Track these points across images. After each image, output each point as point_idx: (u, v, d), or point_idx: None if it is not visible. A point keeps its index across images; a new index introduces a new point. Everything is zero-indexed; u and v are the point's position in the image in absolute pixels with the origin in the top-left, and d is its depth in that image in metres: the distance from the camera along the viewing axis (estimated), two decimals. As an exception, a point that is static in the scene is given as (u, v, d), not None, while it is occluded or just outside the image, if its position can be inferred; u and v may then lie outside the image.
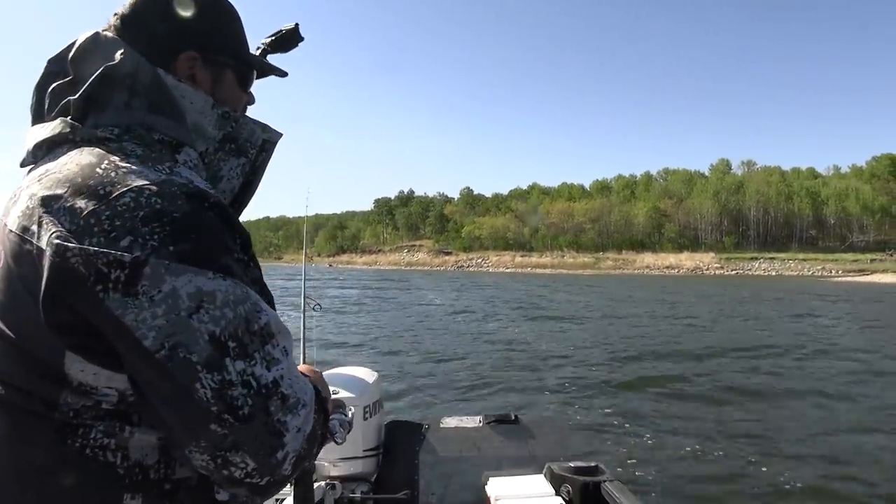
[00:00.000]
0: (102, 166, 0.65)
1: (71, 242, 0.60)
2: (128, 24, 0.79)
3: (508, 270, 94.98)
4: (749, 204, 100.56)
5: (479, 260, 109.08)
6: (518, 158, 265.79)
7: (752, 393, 8.70)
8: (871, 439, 6.44)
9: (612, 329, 16.65)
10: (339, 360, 10.43)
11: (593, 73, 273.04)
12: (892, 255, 79.58)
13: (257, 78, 0.93)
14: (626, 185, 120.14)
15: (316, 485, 2.46)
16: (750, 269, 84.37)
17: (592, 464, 2.60)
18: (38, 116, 0.78)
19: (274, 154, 0.88)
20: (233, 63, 0.86)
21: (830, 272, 75.36)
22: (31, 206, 0.64)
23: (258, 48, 0.96)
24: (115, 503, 0.65)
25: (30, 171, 0.74)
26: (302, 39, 0.98)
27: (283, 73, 0.96)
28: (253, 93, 0.92)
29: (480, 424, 3.13)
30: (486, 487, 2.43)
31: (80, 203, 0.62)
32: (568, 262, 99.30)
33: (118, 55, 0.73)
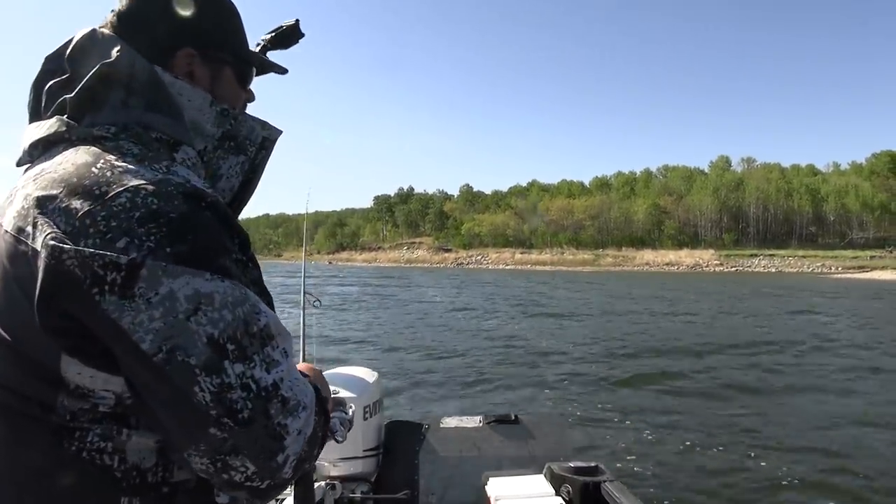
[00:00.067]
0: (98, 166, 0.64)
1: (66, 244, 0.59)
2: (125, 21, 0.77)
3: (508, 267, 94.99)
4: (749, 201, 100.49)
5: (479, 257, 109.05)
6: (518, 155, 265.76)
7: (751, 389, 8.72)
8: (869, 434, 6.48)
9: (611, 326, 16.67)
10: (340, 357, 10.45)
11: (593, 69, 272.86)
12: (891, 252, 79.55)
13: (257, 75, 0.92)
14: (626, 181, 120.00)
15: (316, 485, 2.46)
16: (749, 266, 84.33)
17: (592, 464, 2.59)
18: (36, 115, 0.77)
19: (273, 151, 0.87)
20: (231, 60, 0.85)
21: (830, 269, 75.34)
22: (26, 206, 0.64)
23: (258, 45, 0.95)
24: None
25: (26, 170, 0.73)
26: (303, 36, 0.97)
27: (283, 71, 0.95)
28: (252, 90, 0.91)
29: (480, 424, 3.13)
30: (486, 487, 2.43)
31: (76, 203, 0.61)
32: (567, 259, 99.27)
33: (115, 52, 0.72)
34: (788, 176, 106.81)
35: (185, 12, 0.78)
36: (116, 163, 0.64)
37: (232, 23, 0.85)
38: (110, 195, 0.61)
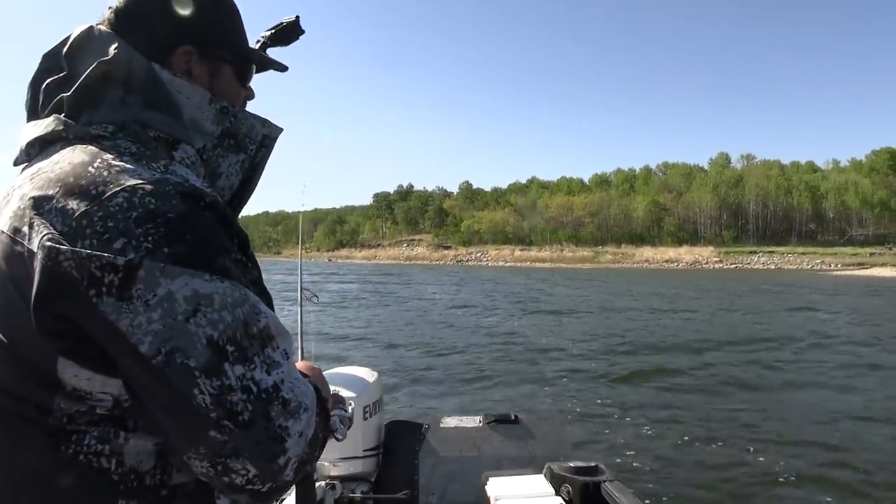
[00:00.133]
0: (95, 165, 0.63)
1: (63, 245, 0.58)
2: (122, 18, 0.76)
3: (507, 264, 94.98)
4: (748, 198, 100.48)
5: (479, 254, 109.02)
6: (517, 152, 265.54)
7: (750, 385, 8.74)
8: (867, 429, 6.52)
9: (611, 322, 16.68)
10: (339, 355, 10.45)
11: (593, 67, 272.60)
12: (891, 249, 79.59)
13: (256, 72, 0.91)
14: (626, 178, 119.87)
15: (316, 485, 2.46)
16: (749, 263, 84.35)
17: (592, 464, 2.59)
18: (33, 113, 0.76)
19: (273, 149, 0.86)
20: (231, 57, 0.84)
21: (829, 266, 75.37)
22: (22, 206, 0.63)
23: (258, 41, 0.94)
24: None
25: (23, 169, 0.72)
26: (303, 32, 0.96)
27: (283, 68, 0.94)
28: (252, 87, 0.90)
29: (480, 424, 3.13)
30: (486, 487, 2.43)
31: (72, 204, 0.60)
32: (567, 256, 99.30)
33: (112, 50, 0.71)
34: (788, 173, 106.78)
35: (184, 9, 0.77)
36: (114, 162, 0.63)
37: (231, 20, 0.84)
38: (107, 195, 0.60)
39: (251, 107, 0.90)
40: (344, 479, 2.66)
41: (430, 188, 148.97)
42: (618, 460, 5.40)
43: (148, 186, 0.61)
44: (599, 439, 6.13)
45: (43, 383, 0.62)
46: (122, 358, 0.59)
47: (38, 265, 0.59)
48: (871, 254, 78.46)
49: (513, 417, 3.18)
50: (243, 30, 0.86)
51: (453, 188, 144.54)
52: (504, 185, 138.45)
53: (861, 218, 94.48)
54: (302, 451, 0.65)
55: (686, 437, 6.20)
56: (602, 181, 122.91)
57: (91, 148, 0.66)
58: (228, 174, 0.80)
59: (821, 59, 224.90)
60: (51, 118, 0.71)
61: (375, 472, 2.85)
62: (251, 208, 0.87)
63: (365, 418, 2.73)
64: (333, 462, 2.64)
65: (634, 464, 5.37)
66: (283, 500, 2.18)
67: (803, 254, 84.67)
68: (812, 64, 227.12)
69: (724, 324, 16.65)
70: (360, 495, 2.63)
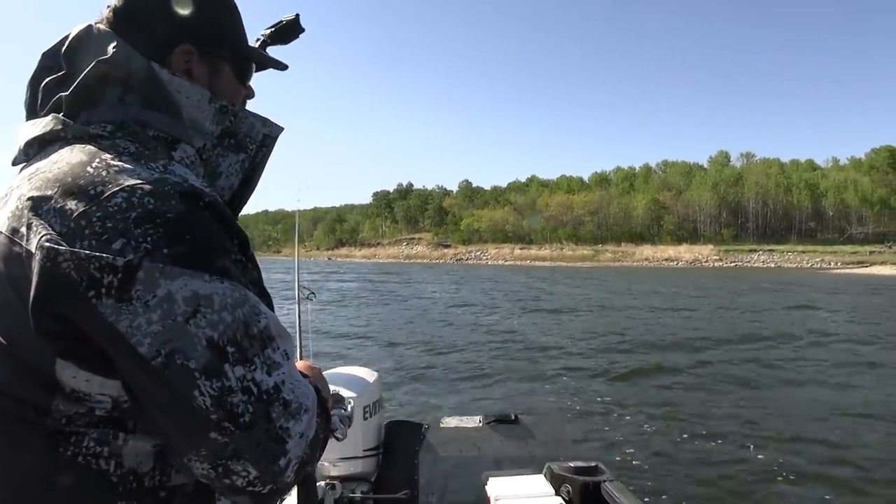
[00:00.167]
0: (93, 165, 0.63)
1: (61, 246, 0.58)
2: (121, 17, 0.76)
3: (507, 263, 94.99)
4: (748, 196, 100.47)
5: (478, 253, 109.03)
6: (517, 151, 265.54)
7: (750, 383, 8.75)
8: (866, 426, 6.55)
9: (611, 321, 16.69)
10: (339, 353, 10.46)
11: (592, 65, 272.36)
12: (890, 247, 79.61)
13: (256, 71, 0.90)
14: (625, 177, 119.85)
15: (316, 484, 2.46)
16: (749, 261, 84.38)
17: (592, 464, 2.59)
18: (32, 112, 0.75)
19: (273, 148, 0.85)
20: (230, 56, 0.83)
21: (829, 264, 75.39)
22: (20, 206, 0.63)
23: (257, 40, 0.93)
24: None
25: (21, 169, 0.72)
26: (303, 31, 0.95)
27: (282, 67, 0.93)
28: (252, 86, 0.89)
29: (480, 424, 3.14)
30: (486, 487, 2.43)
31: (71, 204, 0.60)
32: (567, 254, 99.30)
33: (111, 49, 0.70)
34: (787, 171, 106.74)
35: (184, 8, 0.77)
36: (112, 162, 0.63)
37: (231, 18, 0.84)
38: (106, 195, 0.59)
39: (251, 105, 0.89)
40: (344, 479, 2.65)
41: (429, 187, 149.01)
42: (617, 458, 5.41)
43: (147, 186, 0.60)
44: (599, 437, 6.15)
45: (41, 385, 0.62)
46: (121, 359, 0.59)
47: (36, 266, 0.58)
48: (871, 252, 78.47)
49: (513, 417, 3.18)
50: (243, 28, 0.86)
51: (453, 187, 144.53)
52: (504, 184, 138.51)
53: (861, 216, 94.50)
54: (303, 453, 0.65)
55: (685, 435, 6.21)
56: (602, 179, 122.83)
57: (89, 147, 0.65)
58: (228, 174, 0.80)
59: (820, 58, 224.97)
60: (49, 117, 0.71)
61: (375, 472, 2.85)
62: (250, 207, 0.86)
63: (365, 418, 2.73)
64: (333, 462, 2.64)
65: (634, 462, 5.38)
66: (284, 500, 2.18)
67: (803, 252, 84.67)
68: (811, 62, 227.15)
69: (724, 322, 16.66)
70: (360, 495, 2.63)
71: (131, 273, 0.57)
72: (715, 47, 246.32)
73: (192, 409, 0.58)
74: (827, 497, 4.70)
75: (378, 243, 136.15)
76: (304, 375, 0.72)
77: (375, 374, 3.01)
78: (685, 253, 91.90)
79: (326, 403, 0.77)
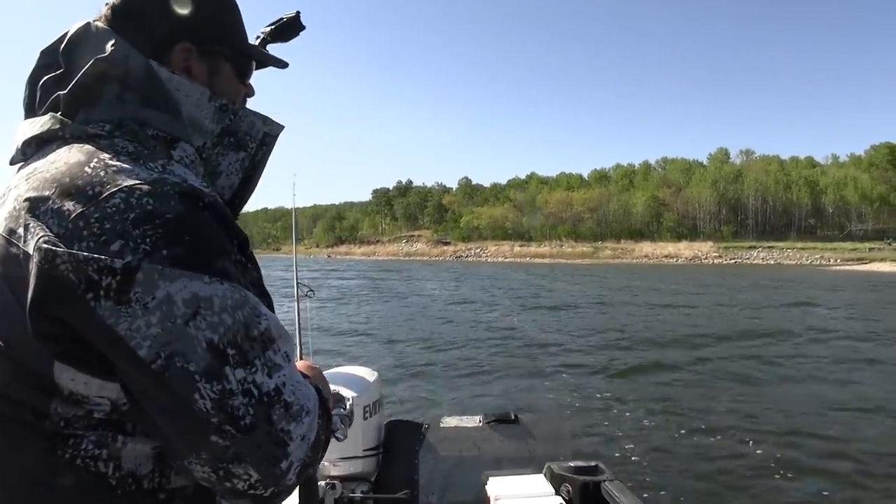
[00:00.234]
0: (91, 165, 0.62)
1: (59, 247, 0.57)
2: (119, 15, 0.75)
3: (507, 260, 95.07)
4: (747, 193, 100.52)
5: (478, 250, 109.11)
6: (516, 148, 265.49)
7: (749, 380, 8.77)
8: (865, 421, 6.59)
9: (610, 318, 16.71)
10: (339, 351, 10.47)
11: (592, 63, 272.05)
12: (889, 244, 79.69)
13: (256, 69, 0.89)
14: (625, 174, 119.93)
15: (317, 484, 2.47)
16: (748, 258, 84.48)
17: (592, 463, 2.59)
18: (31, 111, 0.74)
19: (274, 147, 0.85)
20: (230, 54, 0.82)
21: (829, 261, 75.49)
22: (17, 207, 0.62)
23: (258, 37, 0.93)
24: None
25: (19, 169, 0.71)
26: (303, 28, 0.94)
27: (283, 64, 0.93)
28: (252, 84, 0.88)
29: (480, 424, 3.14)
30: (486, 487, 2.43)
31: (69, 205, 0.59)
32: (566, 251, 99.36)
33: (109, 47, 0.69)
34: (787, 168, 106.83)
35: (183, 7, 0.76)
36: (110, 162, 0.62)
37: (230, 16, 0.83)
38: (104, 196, 0.59)
39: (251, 104, 0.88)
40: (344, 479, 2.65)
41: (429, 184, 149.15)
42: (617, 454, 5.43)
43: (145, 187, 0.60)
44: (599, 433, 6.17)
45: (39, 387, 0.61)
46: (120, 362, 0.58)
47: (34, 268, 0.58)
48: (870, 249, 78.56)
49: (513, 417, 3.18)
50: (243, 26, 0.85)
51: (452, 184, 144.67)
52: (503, 181, 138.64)
53: (860, 213, 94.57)
54: (304, 455, 0.64)
55: (684, 430, 6.24)
56: (601, 177, 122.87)
57: (88, 147, 0.65)
58: (229, 173, 0.79)
59: (819, 55, 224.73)
60: (47, 116, 0.70)
61: (375, 471, 2.84)
62: (250, 204, 0.86)
63: (365, 418, 2.72)
64: (333, 462, 2.63)
65: (633, 457, 5.40)
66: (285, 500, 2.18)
67: (802, 249, 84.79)
68: (811, 59, 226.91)
69: (723, 319, 16.67)
70: (360, 495, 2.62)
71: (130, 275, 0.56)
72: (714, 45, 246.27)
73: (192, 412, 0.57)
74: (825, 492, 4.73)
75: (378, 241, 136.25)
76: (305, 376, 0.71)
77: (375, 373, 3.00)
78: (685, 250, 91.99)
79: (328, 404, 0.76)
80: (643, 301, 22.17)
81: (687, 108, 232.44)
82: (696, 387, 8.37)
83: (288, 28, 0.94)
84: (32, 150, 0.71)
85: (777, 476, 5.04)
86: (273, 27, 0.94)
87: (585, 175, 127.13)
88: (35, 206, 0.60)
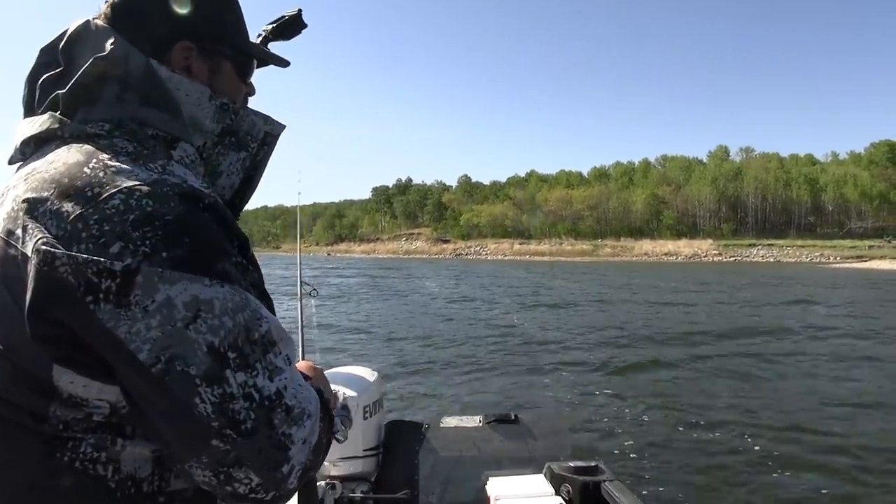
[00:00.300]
0: (90, 165, 0.61)
1: (58, 249, 0.56)
2: (119, 13, 0.74)
3: (507, 258, 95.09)
4: (747, 191, 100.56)
5: (478, 248, 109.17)
6: (516, 146, 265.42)
7: (749, 377, 8.78)
8: (863, 417, 6.63)
9: (610, 316, 16.70)
10: (339, 349, 10.48)
11: (592, 61, 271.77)
12: (889, 242, 79.72)
13: (257, 67, 0.88)
14: (625, 172, 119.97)
15: (317, 484, 2.47)
16: (748, 256, 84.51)
17: (592, 463, 2.59)
18: (30, 110, 0.74)
19: (275, 146, 0.84)
20: (231, 53, 0.81)
21: (828, 259, 75.53)
22: (15, 208, 0.61)
23: (259, 35, 0.92)
24: None
25: (18, 168, 0.70)
26: (305, 26, 0.94)
27: (284, 63, 0.92)
28: (253, 83, 0.87)
29: (480, 424, 3.13)
30: (486, 487, 2.43)
31: (67, 206, 0.58)
32: (566, 249, 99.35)
33: (108, 45, 0.68)
34: (787, 166, 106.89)
35: (183, 5, 0.75)
36: (110, 162, 0.61)
37: (231, 14, 0.81)
38: (103, 197, 0.58)
39: (252, 103, 0.87)
40: (344, 479, 2.64)
41: (429, 182, 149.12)
42: (616, 450, 5.45)
43: (145, 188, 0.59)
44: (598, 429, 6.18)
45: (38, 390, 0.61)
46: (120, 366, 0.58)
47: (32, 270, 0.57)
48: (870, 246, 78.59)
49: (513, 417, 3.18)
50: (244, 24, 0.84)
51: (452, 182, 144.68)
52: (503, 179, 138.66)
53: (860, 210, 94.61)
54: (306, 459, 0.64)
55: (684, 427, 6.25)
56: (601, 174, 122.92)
57: (87, 147, 0.64)
58: (229, 173, 0.78)
59: (819, 53, 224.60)
60: (46, 115, 0.69)
61: (375, 471, 2.83)
62: (250, 203, 0.87)
63: (365, 418, 2.71)
64: (333, 462, 2.62)
65: (633, 453, 5.41)
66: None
67: (802, 246, 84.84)
68: (811, 58, 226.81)
69: (723, 316, 16.67)
70: (360, 495, 2.61)
71: (129, 278, 0.55)
72: (714, 43, 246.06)
73: (192, 416, 0.57)
74: (824, 488, 4.74)
75: (377, 238, 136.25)
76: (306, 377, 0.70)
77: (375, 373, 3.00)
78: (684, 248, 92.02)
79: (329, 405, 0.76)
80: (643, 299, 22.18)
81: (687, 106, 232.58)
82: (695, 384, 8.38)
83: (289, 26, 0.94)
84: (31, 149, 0.70)
85: (776, 472, 5.05)
86: (274, 25, 0.93)
87: (585, 173, 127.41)
88: (33, 207, 0.60)
